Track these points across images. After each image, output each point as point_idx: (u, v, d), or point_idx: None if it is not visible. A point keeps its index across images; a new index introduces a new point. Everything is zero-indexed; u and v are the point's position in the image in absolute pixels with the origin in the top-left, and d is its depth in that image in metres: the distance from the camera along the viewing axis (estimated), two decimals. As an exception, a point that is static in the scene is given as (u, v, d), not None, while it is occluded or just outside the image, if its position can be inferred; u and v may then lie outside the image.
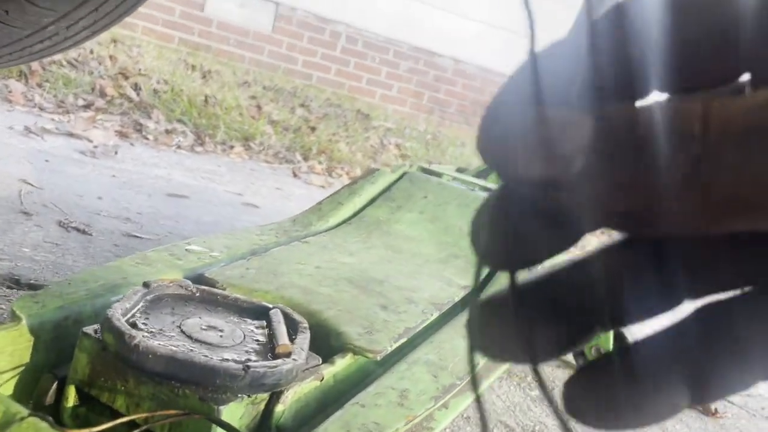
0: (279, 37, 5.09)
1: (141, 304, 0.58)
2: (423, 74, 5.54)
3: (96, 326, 0.54)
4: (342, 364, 0.63)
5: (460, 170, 1.40)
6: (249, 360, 0.53)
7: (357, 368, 0.65)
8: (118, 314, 0.53)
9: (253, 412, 0.53)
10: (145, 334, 0.53)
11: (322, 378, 0.60)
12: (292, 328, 0.61)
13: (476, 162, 3.64)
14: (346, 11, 5.16)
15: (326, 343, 0.66)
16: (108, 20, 1.17)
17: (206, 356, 0.51)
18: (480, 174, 1.37)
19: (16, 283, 0.85)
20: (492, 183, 1.27)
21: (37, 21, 1.07)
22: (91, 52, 2.77)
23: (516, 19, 5.48)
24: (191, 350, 0.52)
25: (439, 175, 1.20)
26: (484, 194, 1.13)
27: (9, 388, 0.56)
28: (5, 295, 0.81)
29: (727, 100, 0.13)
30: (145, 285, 0.60)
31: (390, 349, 0.67)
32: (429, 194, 1.09)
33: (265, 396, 0.54)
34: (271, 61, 5.10)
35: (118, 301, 0.63)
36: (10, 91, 2.03)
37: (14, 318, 0.55)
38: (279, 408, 0.54)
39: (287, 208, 1.76)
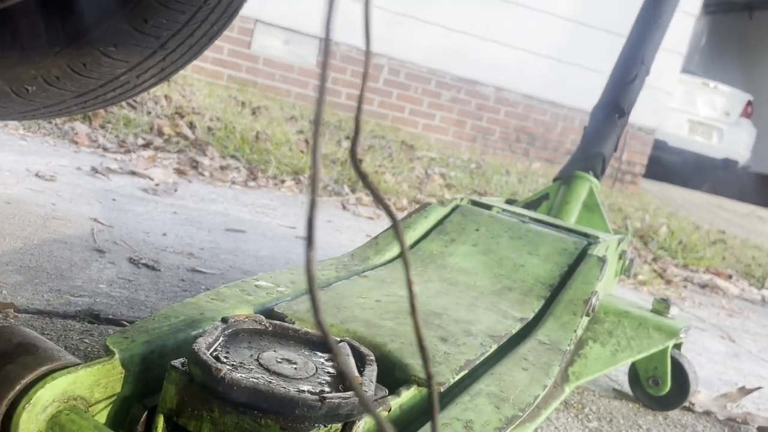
0: (323, 71, 5.22)
1: (221, 338, 0.62)
2: (465, 103, 5.60)
3: (182, 360, 0.59)
4: (407, 395, 0.66)
5: (509, 201, 1.42)
6: (323, 391, 0.57)
7: (421, 399, 0.68)
8: (203, 348, 0.57)
9: (328, 441, 0.56)
10: (228, 366, 0.57)
11: (390, 409, 0.63)
12: (360, 361, 0.64)
13: (522, 189, 3.64)
14: (389, 44, 5.26)
15: (391, 374, 0.69)
16: (174, 68, 1.25)
17: (285, 388, 0.55)
18: (529, 205, 1.39)
19: (96, 318, 0.91)
20: (542, 214, 1.29)
21: (111, 72, 1.14)
22: (148, 92, 2.91)
23: (558, 47, 5.50)
24: (270, 382, 0.56)
25: (489, 207, 1.23)
26: (534, 226, 1.15)
27: (103, 417, 0.60)
28: (87, 330, 0.87)
29: None
30: (224, 320, 0.64)
31: (452, 381, 0.70)
32: (481, 227, 1.12)
33: (338, 426, 0.57)
34: (315, 95, 5.23)
35: (198, 335, 0.68)
36: (76, 133, 2.15)
37: (108, 352, 0.60)
38: (351, 437, 0.58)
39: (338, 241, 1.81)
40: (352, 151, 0.31)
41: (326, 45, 0.26)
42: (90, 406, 0.58)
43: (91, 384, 0.58)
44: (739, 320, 2.24)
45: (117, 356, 0.60)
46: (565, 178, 1.38)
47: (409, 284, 0.30)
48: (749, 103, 7.30)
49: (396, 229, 0.31)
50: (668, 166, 7.23)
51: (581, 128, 5.33)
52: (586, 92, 5.34)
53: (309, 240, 0.27)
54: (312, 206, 0.27)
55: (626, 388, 1.23)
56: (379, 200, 0.29)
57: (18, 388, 0.54)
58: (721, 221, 5.40)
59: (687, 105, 7.23)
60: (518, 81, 5.55)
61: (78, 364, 0.58)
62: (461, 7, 5.21)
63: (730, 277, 3.01)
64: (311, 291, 0.29)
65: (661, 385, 1.14)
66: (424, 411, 0.67)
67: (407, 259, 0.33)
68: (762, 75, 8.85)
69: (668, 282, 2.63)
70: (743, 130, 7.31)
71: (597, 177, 1.38)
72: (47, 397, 0.55)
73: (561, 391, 0.94)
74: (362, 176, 0.30)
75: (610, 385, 1.25)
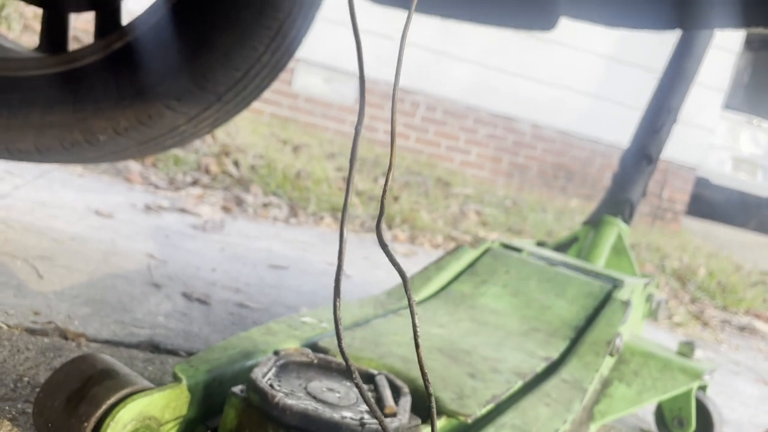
0: (361, 108, 5.38)
1: (274, 369, 0.70)
2: (501, 139, 5.67)
3: (241, 387, 0.67)
4: (438, 425, 0.73)
5: (539, 244, 1.48)
6: (363, 418, 0.64)
7: (450, 429, 0.75)
8: (260, 377, 0.65)
9: (367, 463, 0.63)
10: (281, 394, 0.65)
11: (422, 436, 0.70)
12: (395, 392, 0.72)
13: (557, 228, 3.67)
14: (425, 81, 5.39)
15: (423, 406, 0.76)
16: (227, 117, 1.36)
17: (330, 413, 0.63)
18: (559, 248, 1.45)
19: (156, 348, 1.00)
20: (571, 257, 1.35)
21: (172, 123, 1.26)
22: (196, 131, 3.06)
23: (594, 83, 5.56)
24: (317, 408, 0.63)
25: (519, 250, 1.29)
26: (563, 270, 1.21)
27: (170, 437, 0.69)
28: (149, 359, 0.96)
29: None
30: (276, 353, 0.73)
31: (479, 413, 0.76)
32: (511, 269, 1.18)
33: (377, 450, 0.64)
34: (353, 131, 5.38)
35: (253, 365, 0.76)
36: (129, 172, 2.29)
37: (176, 379, 0.69)
38: (387, 461, 0.64)
39: (376, 277, 1.89)
40: (378, 226, 0.39)
41: (361, 83, 0.34)
42: (161, 426, 0.67)
43: (162, 406, 0.67)
44: (774, 363, 2.23)
45: (184, 382, 0.68)
46: (594, 223, 1.44)
47: (413, 321, 0.38)
48: (793, 140, 7.20)
49: (405, 285, 0.39)
50: (711, 203, 7.15)
51: (617, 166, 5.33)
52: (623, 128, 5.37)
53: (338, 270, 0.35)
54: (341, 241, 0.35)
55: (653, 427, 1.27)
56: (393, 263, 0.37)
57: (104, 407, 0.63)
58: (766, 261, 5.31)
59: (730, 142, 7.17)
60: (555, 117, 5.61)
61: (152, 389, 0.66)
62: (497, 44, 5.32)
63: (769, 319, 2.99)
64: (335, 323, 0.37)
65: (686, 425, 1.18)
66: (453, 440, 0.74)
67: (412, 308, 0.41)
68: (805, 112, 8.72)
69: (705, 324, 2.63)
70: (786, 168, 7.19)
71: (625, 222, 1.43)
72: (128, 416, 0.63)
73: (586, 429, 0.99)
74: (383, 245, 0.37)
75: (638, 425, 1.29)
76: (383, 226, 1.94)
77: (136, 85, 1.20)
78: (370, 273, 1.92)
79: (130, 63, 1.21)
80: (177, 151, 2.65)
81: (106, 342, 0.97)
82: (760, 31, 0.97)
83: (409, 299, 0.39)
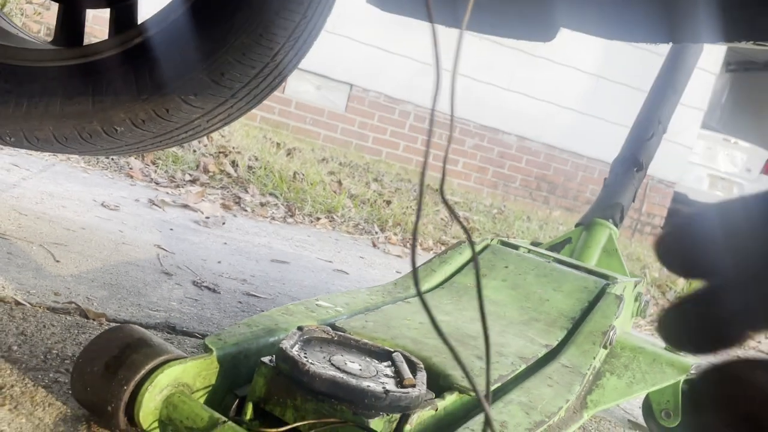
0: (351, 116, 5.45)
1: (299, 342, 0.75)
2: (488, 150, 5.76)
3: (270, 357, 0.71)
4: (451, 399, 0.78)
5: (534, 244, 1.54)
6: (386, 387, 0.69)
7: (462, 404, 0.80)
8: (288, 347, 0.70)
9: (389, 428, 0.68)
10: (310, 363, 0.69)
11: (437, 408, 0.75)
12: (412, 368, 0.77)
13: (542, 236, 3.75)
14: (414, 92, 5.47)
15: (436, 383, 0.81)
16: (239, 113, 1.41)
17: (356, 382, 0.67)
18: (553, 248, 1.51)
19: (172, 329, 1.04)
20: (565, 256, 1.41)
21: (188, 116, 1.30)
22: (192, 132, 3.10)
23: (580, 99, 5.67)
24: (344, 376, 0.68)
25: (516, 247, 1.35)
26: (558, 266, 1.27)
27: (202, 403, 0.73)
28: (168, 339, 1.00)
29: None
30: (299, 329, 0.77)
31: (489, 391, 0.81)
32: (510, 264, 1.24)
33: (397, 416, 0.69)
34: (343, 138, 5.43)
35: (276, 341, 0.81)
36: (131, 168, 2.32)
37: (206, 350, 0.73)
38: (407, 428, 0.70)
39: (371, 275, 1.94)
40: (441, 189, 0.44)
41: (431, 117, 0.39)
42: (192, 393, 0.71)
43: (194, 375, 0.71)
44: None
45: (215, 353, 0.73)
46: (587, 224, 1.51)
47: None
48: (769, 160, 7.39)
49: (469, 241, 0.44)
50: (688, 219, 7.29)
51: (601, 178, 5.45)
52: (606, 144, 5.49)
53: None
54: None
55: (640, 420, 1.33)
56: (459, 224, 0.42)
57: (143, 372, 0.67)
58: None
59: (708, 160, 7.33)
60: (540, 131, 5.71)
61: (186, 357, 0.70)
62: (486, 59, 5.42)
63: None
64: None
65: (673, 417, 1.24)
66: (465, 414, 0.79)
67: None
68: (782, 133, 8.94)
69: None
70: (763, 186, 7.38)
71: (616, 225, 1.50)
72: (164, 381, 0.67)
73: (580, 417, 1.05)
74: (450, 209, 0.43)
75: (625, 417, 1.35)
76: (375, 227, 1.98)
77: (154, 79, 1.24)
78: (365, 271, 1.97)
79: (149, 58, 1.26)
80: (176, 150, 2.69)
81: (126, 322, 1.01)
82: (745, 46, 1.05)
83: (472, 248, 0.44)
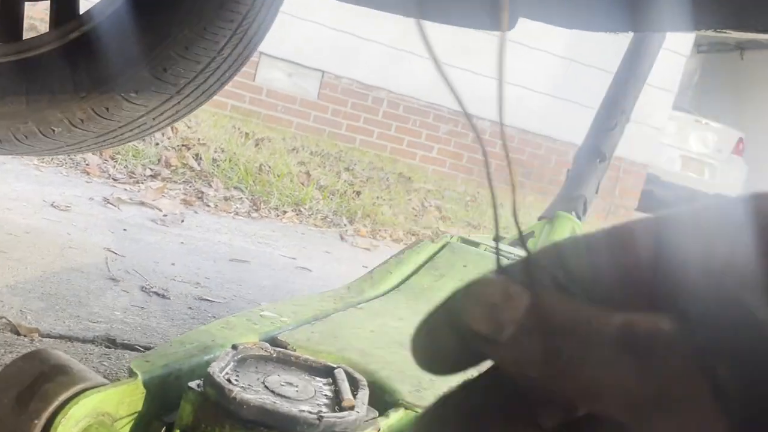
0: (324, 103, 5.37)
1: (232, 363, 0.70)
2: (462, 136, 5.73)
3: (198, 381, 0.67)
4: (395, 417, 0.74)
5: (496, 239, 1.51)
6: (321, 411, 0.65)
7: (408, 421, 0.76)
8: (217, 372, 0.65)
9: (324, 455, 0.64)
10: (239, 388, 0.65)
11: (379, 429, 0.71)
12: (353, 385, 0.73)
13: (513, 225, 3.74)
14: (388, 78, 5.40)
15: (381, 398, 0.77)
16: (187, 110, 1.35)
17: (288, 407, 0.63)
18: (514, 243, 1.48)
19: (113, 343, 0.99)
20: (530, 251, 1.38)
21: (131, 115, 1.24)
22: (155, 124, 3.02)
23: (552, 83, 5.66)
24: (275, 402, 0.64)
25: (477, 245, 1.32)
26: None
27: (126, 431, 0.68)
28: (106, 354, 0.95)
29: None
30: (234, 347, 0.73)
31: (436, 405, 0.78)
32: (469, 263, 1.21)
33: (334, 442, 0.65)
34: (316, 126, 5.36)
35: (211, 359, 0.76)
36: (87, 164, 2.25)
37: (131, 374, 0.69)
38: (344, 453, 0.66)
39: (336, 272, 1.90)
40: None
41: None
42: (115, 422, 0.66)
43: (116, 402, 0.66)
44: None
45: (140, 378, 0.68)
46: (549, 218, 1.48)
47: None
48: (740, 140, 7.46)
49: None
50: (661, 200, 7.35)
51: (576, 163, 5.45)
52: (579, 127, 5.49)
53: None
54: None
55: None
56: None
57: (56, 404, 0.62)
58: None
59: (679, 141, 7.38)
60: (514, 115, 5.69)
61: (106, 384, 0.66)
62: (458, 44, 5.37)
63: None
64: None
65: None
66: (409, 432, 0.75)
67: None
68: (753, 113, 9.04)
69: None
70: (734, 166, 7.45)
71: (579, 217, 1.47)
72: (80, 413, 0.63)
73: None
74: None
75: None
76: (344, 220, 1.94)
77: (92, 76, 1.18)
78: (331, 267, 1.92)
79: (87, 53, 1.19)
80: (136, 144, 2.61)
81: (61, 337, 0.96)
82: (708, 33, 1.01)
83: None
